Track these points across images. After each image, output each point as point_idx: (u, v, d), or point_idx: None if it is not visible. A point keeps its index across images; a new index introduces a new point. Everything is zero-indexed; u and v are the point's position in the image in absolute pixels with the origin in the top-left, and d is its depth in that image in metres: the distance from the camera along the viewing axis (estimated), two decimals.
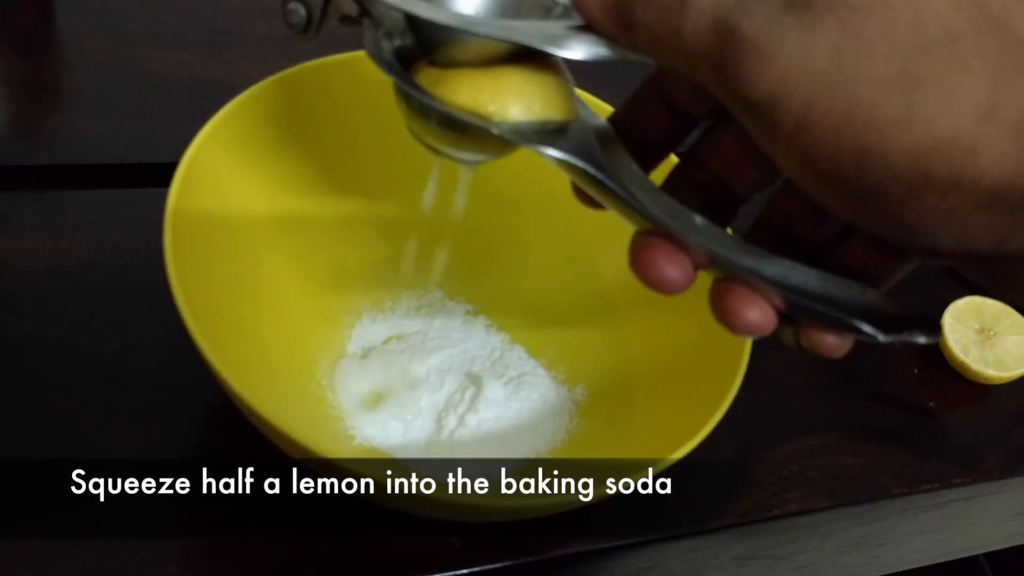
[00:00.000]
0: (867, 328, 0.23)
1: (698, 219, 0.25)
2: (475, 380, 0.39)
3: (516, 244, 0.43)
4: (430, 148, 0.29)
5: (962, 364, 0.47)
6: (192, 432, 0.36)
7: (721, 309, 0.25)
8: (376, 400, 0.38)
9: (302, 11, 0.28)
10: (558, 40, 0.24)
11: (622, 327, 0.41)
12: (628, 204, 0.25)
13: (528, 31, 0.24)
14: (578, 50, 0.24)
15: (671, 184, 0.27)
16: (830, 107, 0.20)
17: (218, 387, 0.29)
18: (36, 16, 0.50)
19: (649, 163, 0.28)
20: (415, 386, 0.38)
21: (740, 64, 0.20)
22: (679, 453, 0.30)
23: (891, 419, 0.45)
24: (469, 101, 0.25)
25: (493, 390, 0.39)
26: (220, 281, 0.35)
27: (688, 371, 0.37)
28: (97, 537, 0.32)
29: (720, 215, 0.27)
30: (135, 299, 0.38)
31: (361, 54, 0.39)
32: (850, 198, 0.21)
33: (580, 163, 0.25)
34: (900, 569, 0.52)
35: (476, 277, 0.43)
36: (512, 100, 0.25)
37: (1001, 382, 0.47)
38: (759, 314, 0.24)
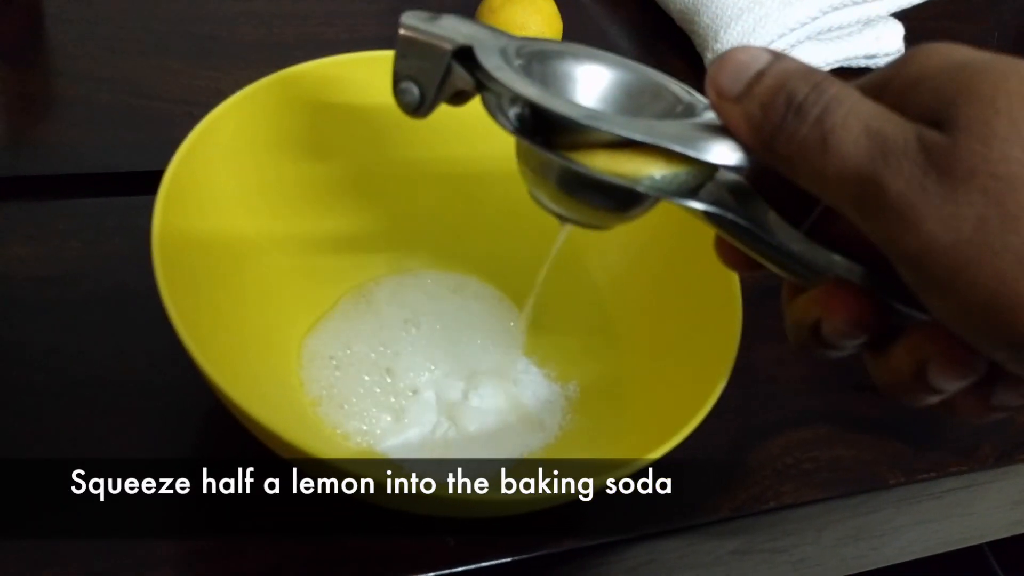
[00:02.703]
0: None
1: (851, 265, 0.25)
2: (467, 378, 0.39)
3: (508, 242, 0.43)
4: (556, 215, 0.28)
5: None
6: (190, 434, 0.36)
7: (940, 359, 0.23)
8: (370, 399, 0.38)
9: (415, 90, 0.28)
10: (698, 143, 0.24)
11: (612, 324, 0.41)
12: (781, 252, 0.25)
13: (667, 132, 0.24)
14: (719, 155, 0.24)
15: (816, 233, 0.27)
16: (976, 277, 0.20)
17: (212, 392, 0.29)
18: (24, 26, 0.50)
19: (795, 217, 0.26)
20: (408, 385, 0.38)
21: (886, 220, 0.21)
22: (656, 453, 0.30)
23: (885, 409, 0.44)
24: (608, 164, 0.25)
25: (486, 388, 0.39)
26: (210, 286, 0.35)
27: (678, 366, 0.37)
28: (97, 537, 0.32)
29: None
30: (126, 306, 0.38)
31: (349, 57, 0.39)
32: (1003, 348, 0.21)
33: (727, 214, 0.25)
34: (901, 561, 0.52)
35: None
36: (649, 161, 0.25)
37: None
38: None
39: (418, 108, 0.29)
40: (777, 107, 0.22)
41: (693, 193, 0.26)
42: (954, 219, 0.20)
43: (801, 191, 0.24)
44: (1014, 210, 0.19)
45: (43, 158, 0.45)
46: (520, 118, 0.27)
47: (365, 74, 0.39)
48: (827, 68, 0.62)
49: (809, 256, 0.25)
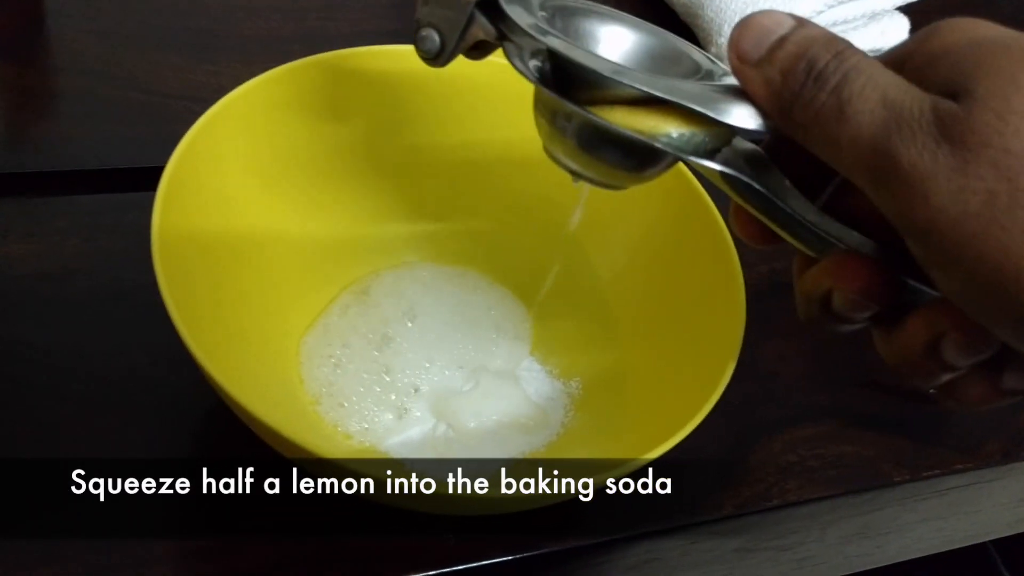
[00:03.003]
0: None
1: (864, 240, 0.25)
2: (469, 375, 0.39)
3: (511, 236, 0.43)
4: (572, 172, 0.28)
5: None
6: (190, 433, 0.36)
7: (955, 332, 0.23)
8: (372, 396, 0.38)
9: (436, 37, 0.28)
10: (718, 104, 0.24)
11: (616, 320, 0.41)
12: (796, 221, 0.24)
13: (688, 92, 0.24)
14: (738, 118, 0.24)
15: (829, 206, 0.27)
16: (983, 251, 0.20)
17: (213, 391, 0.29)
18: (22, 21, 0.50)
19: (809, 190, 0.26)
20: (409, 383, 0.38)
21: (898, 190, 0.20)
22: (658, 451, 0.30)
23: (889, 406, 0.44)
24: (627, 120, 0.25)
25: (487, 385, 0.39)
26: (209, 283, 0.34)
27: (681, 362, 0.37)
28: (97, 537, 0.32)
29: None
30: (125, 302, 0.38)
31: (352, 51, 0.39)
32: (1010, 323, 0.21)
33: (744, 177, 0.25)
34: (906, 559, 0.52)
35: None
36: (668, 120, 0.25)
37: None
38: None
39: (437, 56, 0.28)
40: (797, 73, 0.22)
41: (710, 156, 0.25)
42: (963, 192, 0.20)
43: (817, 165, 0.24)
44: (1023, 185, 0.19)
45: (41, 154, 0.44)
46: (540, 71, 0.26)
47: (366, 68, 0.39)
48: None
49: (823, 227, 0.25)
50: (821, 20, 0.59)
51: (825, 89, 0.22)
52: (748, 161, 0.26)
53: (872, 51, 0.63)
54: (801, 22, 0.24)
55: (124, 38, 0.50)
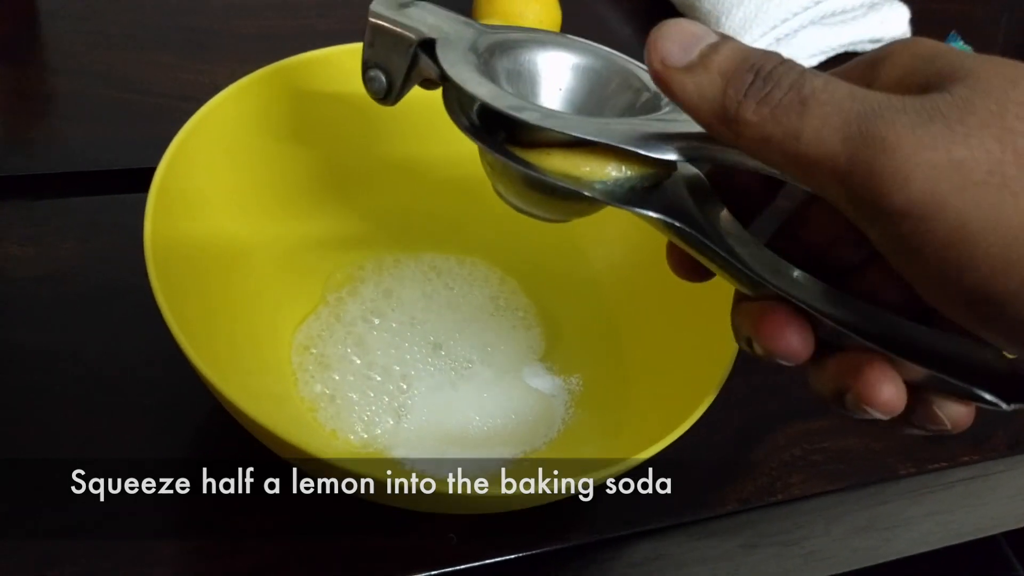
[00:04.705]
0: (989, 396, 0.22)
1: (797, 273, 0.24)
2: (467, 372, 0.39)
3: (506, 227, 0.42)
4: (517, 209, 0.28)
5: None
6: (190, 433, 0.36)
7: (857, 389, 0.23)
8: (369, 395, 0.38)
9: (383, 78, 0.29)
10: (651, 143, 0.24)
11: (616, 317, 0.41)
12: (727, 261, 0.24)
13: (621, 132, 0.24)
14: (672, 153, 0.24)
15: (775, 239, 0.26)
16: (993, 221, 0.19)
17: (209, 393, 0.29)
18: (17, 23, 0.50)
19: (746, 215, 0.26)
20: (406, 381, 0.38)
21: (880, 172, 0.19)
22: (658, 447, 0.29)
23: None
24: (562, 165, 0.25)
25: (487, 382, 0.38)
26: (203, 285, 0.34)
27: (682, 358, 0.36)
28: (97, 537, 0.32)
29: (825, 276, 0.25)
30: (121, 304, 0.38)
31: (337, 49, 0.38)
32: (998, 317, 0.20)
33: (675, 222, 0.24)
34: (914, 553, 0.51)
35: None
36: (603, 162, 0.25)
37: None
38: (894, 391, 0.23)
39: (386, 96, 0.29)
40: (743, 76, 0.21)
41: (649, 192, 0.25)
42: (965, 161, 0.19)
43: (760, 185, 0.24)
44: None
45: (37, 156, 0.44)
46: (481, 113, 0.27)
47: (356, 65, 0.38)
48: (832, 53, 0.61)
49: (758, 263, 0.24)
50: (820, 9, 0.59)
51: (781, 87, 0.21)
52: (690, 189, 0.25)
53: (872, 40, 0.63)
54: (727, 36, 0.23)
55: (118, 39, 0.50)
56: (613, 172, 0.25)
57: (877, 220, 0.20)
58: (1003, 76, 0.20)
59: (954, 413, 0.23)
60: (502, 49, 0.28)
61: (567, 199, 0.27)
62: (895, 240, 0.20)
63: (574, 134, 0.24)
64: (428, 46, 0.27)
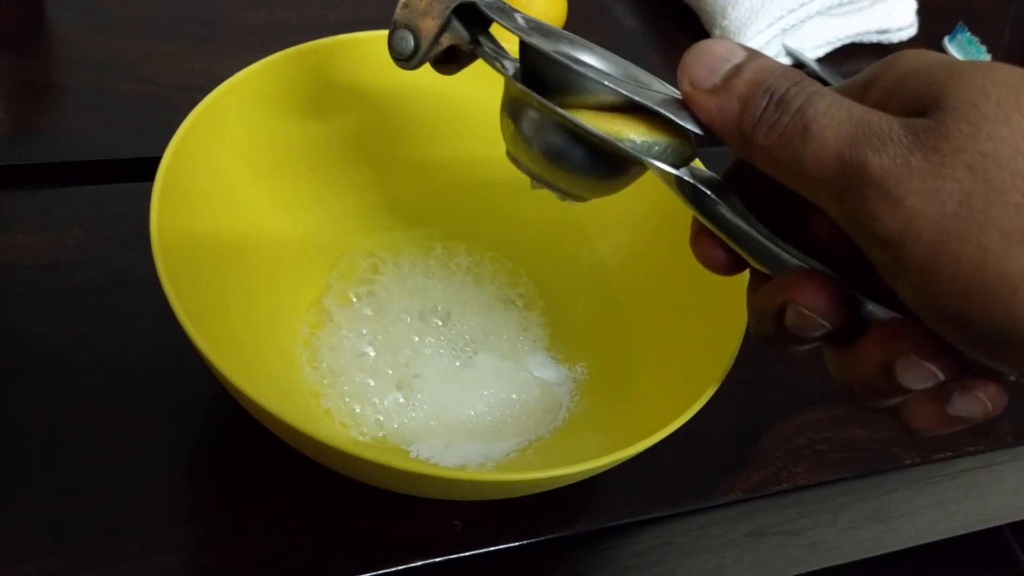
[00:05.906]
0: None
1: (817, 264, 0.25)
2: (474, 360, 0.39)
3: (513, 213, 0.42)
4: (531, 175, 0.29)
5: None
6: (195, 421, 0.36)
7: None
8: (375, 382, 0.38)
9: (411, 39, 0.29)
10: (683, 113, 0.25)
11: (620, 305, 0.40)
12: (750, 238, 0.25)
13: (656, 98, 0.25)
14: (698, 125, 0.25)
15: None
16: (959, 252, 0.20)
17: (216, 381, 0.29)
18: (24, 13, 0.50)
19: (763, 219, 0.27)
20: (413, 368, 0.38)
21: (866, 200, 0.21)
22: (662, 434, 0.29)
23: None
24: (594, 122, 0.26)
25: (493, 370, 0.38)
26: (210, 274, 0.34)
27: (686, 347, 0.36)
28: (102, 525, 0.32)
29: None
30: (128, 292, 0.38)
31: (347, 37, 0.38)
32: (974, 337, 0.21)
33: (701, 186, 0.25)
34: (919, 543, 0.51)
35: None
36: (633, 125, 0.26)
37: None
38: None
39: (410, 58, 0.29)
40: (757, 101, 0.23)
41: (671, 167, 0.26)
42: (939, 193, 0.20)
43: (773, 192, 0.25)
44: (1000, 185, 0.19)
45: (44, 146, 0.44)
46: (512, 76, 0.27)
47: (364, 53, 0.38)
48: (838, 44, 0.61)
49: (779, 248, 0.25)
50: (826, 0, 0.58)
51: (788, 112, 0.22)
52: (706, 185, 0.26)
53: (879, 31, 0.63)
54: (753, 52, 0.24)
55: (124, 29, 0.50)
56: (638, 138, 0.25)
57: (866, 242, 0.22)
58: (976, 88, 0.20)
59: (992, 392, 0.23)
60: (540, 31, 0.29)
61: (588, 165, 0.27)
62: (881, 263, 0.21)
63: (621, 90, 0.25)
64: (462, 13, 0.28)
